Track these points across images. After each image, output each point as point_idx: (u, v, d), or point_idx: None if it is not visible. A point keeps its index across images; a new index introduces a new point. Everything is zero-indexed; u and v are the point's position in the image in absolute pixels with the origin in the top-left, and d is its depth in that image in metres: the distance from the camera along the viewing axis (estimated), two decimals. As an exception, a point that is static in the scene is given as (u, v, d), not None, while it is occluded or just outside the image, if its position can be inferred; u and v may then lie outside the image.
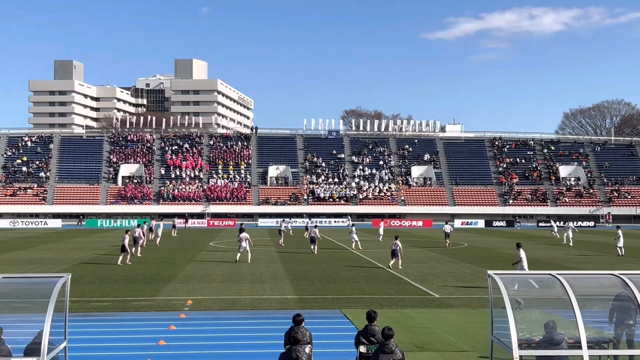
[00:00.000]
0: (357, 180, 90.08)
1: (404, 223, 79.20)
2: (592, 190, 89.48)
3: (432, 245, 47.31)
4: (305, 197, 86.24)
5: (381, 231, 50.74)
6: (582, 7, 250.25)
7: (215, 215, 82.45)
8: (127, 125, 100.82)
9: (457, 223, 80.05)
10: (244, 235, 33.70)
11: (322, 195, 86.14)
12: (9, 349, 10.31)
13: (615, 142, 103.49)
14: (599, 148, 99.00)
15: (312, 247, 40.21)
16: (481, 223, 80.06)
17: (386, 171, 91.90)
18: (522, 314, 11.43)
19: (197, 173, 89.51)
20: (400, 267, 30.79)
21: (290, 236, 54.67)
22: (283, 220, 55.96)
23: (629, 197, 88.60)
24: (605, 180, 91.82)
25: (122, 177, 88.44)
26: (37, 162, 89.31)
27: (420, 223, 79.08)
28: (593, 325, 12.42)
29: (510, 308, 10.47)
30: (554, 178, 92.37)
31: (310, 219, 67.56)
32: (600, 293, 12.65)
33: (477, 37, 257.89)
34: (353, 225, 49.23)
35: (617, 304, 11.82)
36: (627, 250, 40.05)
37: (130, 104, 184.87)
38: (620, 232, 39.39)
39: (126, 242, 32.96)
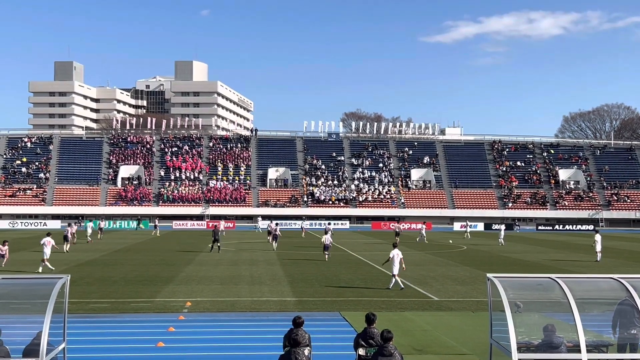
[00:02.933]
0: (356, 182, 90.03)
1: (403, 226, 79.07)
2: (591, 194, 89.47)
3: (430, 248, 47.26)
4: (305, 199, 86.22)
5: (424, 232, 56.03)
6: (580, 11, 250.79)
7: (215, 217, 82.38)
8: (127, 127, 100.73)
9: (457, 226, 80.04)
10: (47, 239, 31.07)
11: (321, 197, 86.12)
12: (8, 350, 10.31)
13: (614, 145, 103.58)
14: (598, 152, 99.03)
15: (273, 244, 44.16)
16: (480, 226, 79.98)
17: (386, 174, 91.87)
18: (521, 317, 11.41)
19: (196, 175, 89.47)
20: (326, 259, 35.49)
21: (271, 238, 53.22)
22: (276, 224, 55.14)
23: (629, 200, 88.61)
24: (604, 184, 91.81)
25: (122, 178, 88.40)
26: (37, 163, 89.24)
27: (419, 226, 78.88)
28: (592, 329, 12.41)
29: (509, 311, 10.46)
30: (553, 181, 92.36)
31: (272, 221, 61.24)
32: (599, 297, 12.62)
33: (476, 41, 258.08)
34: (329, 223, 51.63)
35: (620, 309, 11.78)
36: (628, 254, 39.89)
37: (130, 105, 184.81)
38: (598, 236, 37.87)
39: (68, 233, 42.09)
